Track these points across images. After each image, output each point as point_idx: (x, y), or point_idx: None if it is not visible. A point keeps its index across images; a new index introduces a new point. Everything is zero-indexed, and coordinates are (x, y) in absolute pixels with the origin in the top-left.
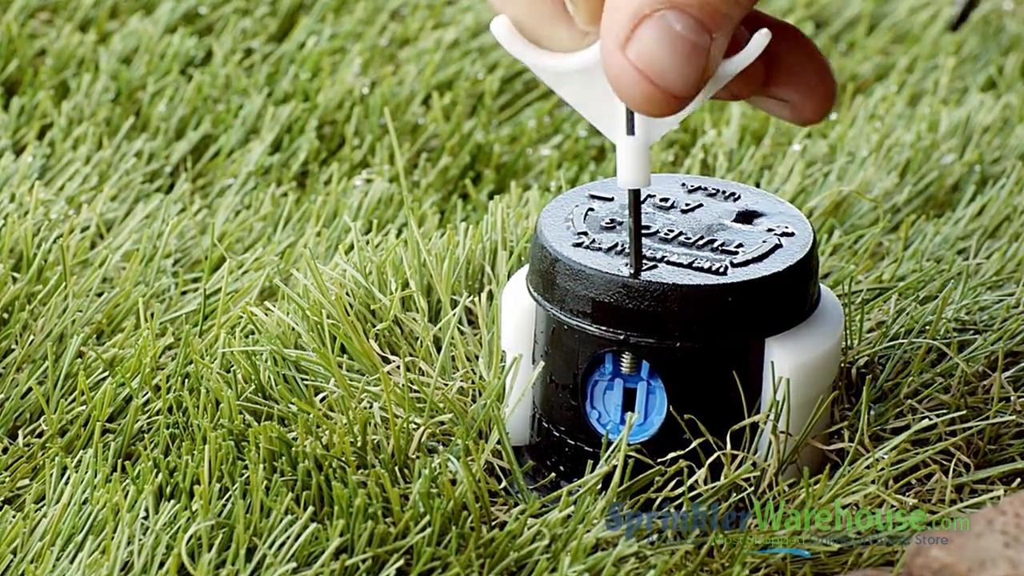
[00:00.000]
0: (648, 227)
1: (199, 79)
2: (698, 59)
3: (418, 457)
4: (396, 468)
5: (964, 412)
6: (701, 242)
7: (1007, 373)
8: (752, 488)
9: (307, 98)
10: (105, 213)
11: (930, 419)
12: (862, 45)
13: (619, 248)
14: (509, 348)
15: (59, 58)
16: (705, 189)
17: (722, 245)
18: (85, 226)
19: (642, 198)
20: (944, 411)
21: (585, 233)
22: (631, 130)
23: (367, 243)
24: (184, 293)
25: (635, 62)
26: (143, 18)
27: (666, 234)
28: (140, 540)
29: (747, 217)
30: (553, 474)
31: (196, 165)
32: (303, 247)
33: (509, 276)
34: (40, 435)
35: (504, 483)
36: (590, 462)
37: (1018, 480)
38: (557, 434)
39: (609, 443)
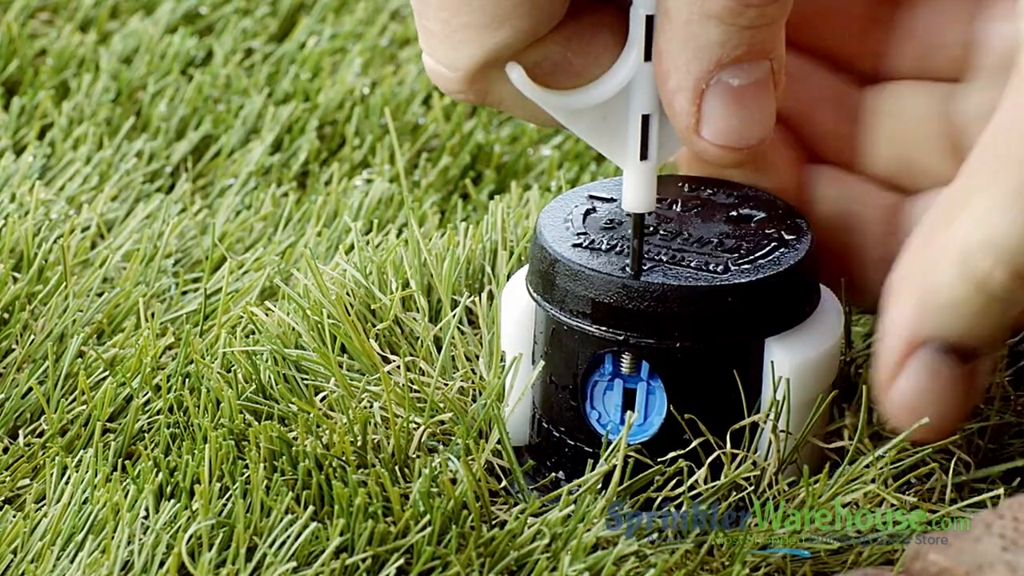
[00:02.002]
0: (648, 226)
1: (199, 79)
2: (766, 95)
3: (418, 456)
4: (396, 467)
5: None
6: (701, 242)
7: (1007, 372)
8: (752, 487)
9: (308, 98)
10: (106, 213)
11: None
12: None
13: (619, 248)
14: (509, 348)
15: (59, 58)
16: (705, 188)
17: (722, 245)
18: (85, 226)
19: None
20: None
21: (585, 233)
22: (644, 155)
23: (367, 243)
24: (184, 293)
25: (712, 140)
26: (143, 18)
27: (666, 234)
28: (140, 539)
29: (747, 217)
30: (554, 474)
31: (196, 165)
32: (303, 247)
33: (509, 276)
34: (40, 435)
35: (504, 483)
36: (590, 462)
37: (1018, 479)
38: (557, 434)
39: (609, 443)
